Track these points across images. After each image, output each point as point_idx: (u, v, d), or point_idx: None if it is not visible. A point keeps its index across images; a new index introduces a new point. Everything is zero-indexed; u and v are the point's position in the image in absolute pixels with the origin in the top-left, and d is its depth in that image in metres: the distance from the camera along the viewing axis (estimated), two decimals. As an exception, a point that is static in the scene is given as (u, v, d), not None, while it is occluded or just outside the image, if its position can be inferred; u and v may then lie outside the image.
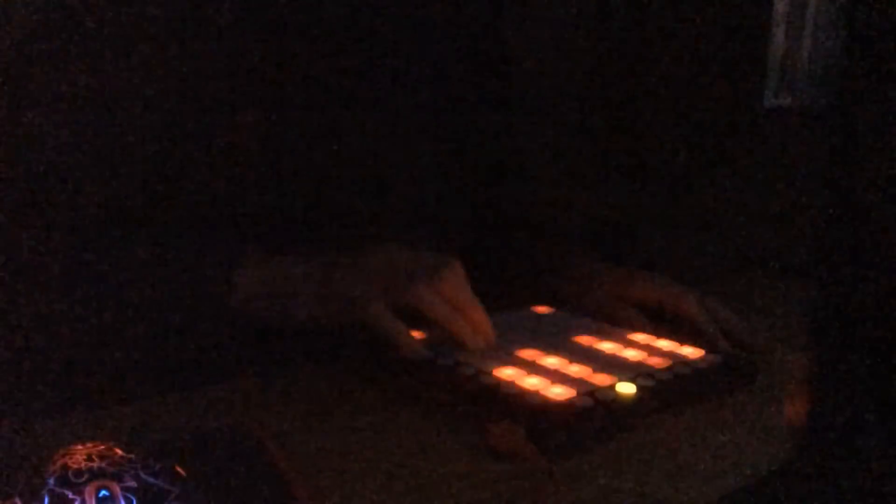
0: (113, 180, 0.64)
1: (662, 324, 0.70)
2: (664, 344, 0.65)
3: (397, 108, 0.77)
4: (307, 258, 0.63)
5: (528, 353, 0.61)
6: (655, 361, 0.61)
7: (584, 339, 0.65)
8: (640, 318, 0.71)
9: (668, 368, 0.59)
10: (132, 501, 0.33)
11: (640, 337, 0.67)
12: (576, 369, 0.58)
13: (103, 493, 0.33)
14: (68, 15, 0.62)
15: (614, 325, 0.69)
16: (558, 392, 0.54)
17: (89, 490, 0.33)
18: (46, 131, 0.62)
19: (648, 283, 0.74)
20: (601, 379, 0.56)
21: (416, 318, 0.60)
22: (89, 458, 0.34)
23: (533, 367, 0.58)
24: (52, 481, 0.33)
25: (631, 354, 0.62)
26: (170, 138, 0.65)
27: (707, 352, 0.63)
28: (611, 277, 0.76)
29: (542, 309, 0.74)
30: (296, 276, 0.62)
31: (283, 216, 0.70)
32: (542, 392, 0.54)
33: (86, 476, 0.33)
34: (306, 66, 0.70)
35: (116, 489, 0.33)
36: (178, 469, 0.36)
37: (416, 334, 0.61)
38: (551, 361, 0.60)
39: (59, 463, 0.34)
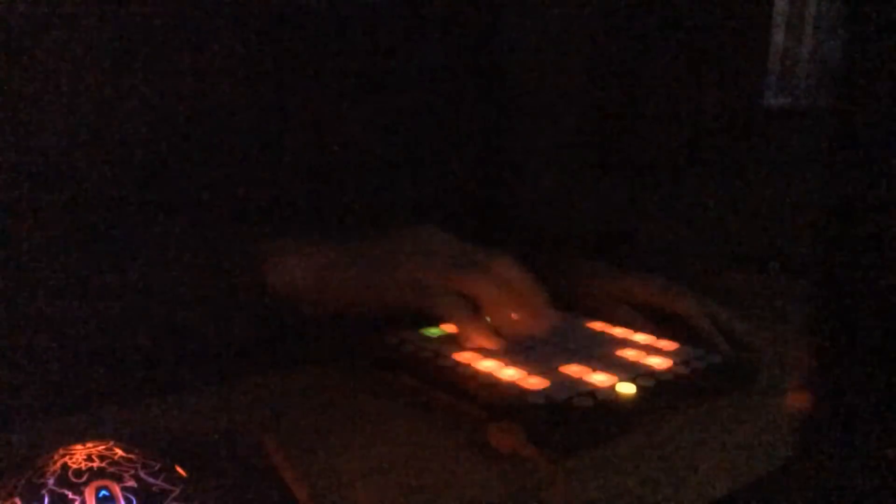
0: (120, 166, 0.63)
1: (662, 324, 0.70)
2: (664, 344, 0.65)
3: (397, 109, 0.77)
4: (343, 242, 0.62)
5: (528, 354, 0.61)
6: (655, 361, 0.61)
7: (584, 340, 0.65)
8: (640, 318, 0.71)
9: (668, 368, 0.59)
10: (132, 501, 0.33)
11: (640, 337, 0.67)
12: (576, 369, 0.58)
13: (103, 493, 0.33)
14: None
15: (614, 325, 0.69)
16: (558, 392, 0.54)
17: (89, 490, 0.33)
18: (68, 121, 0.61)
19: (647, 283, 0.74)
20: (601, 379, 0.56)
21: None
22: (89, 458, 0.34)
23: (533, 367, 0.58)
24: (52, 481, 0.33)
25: (631, 354, 0.62)
26: (186, 128, 0.65)
27: (707, 352, 0.63)
28: (610, 278, 0.76)
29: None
30: (339, 261, 0.61)
31: (290, 219, 0.70)
32: (543, 392, 0.54)
33: (86, 476, 0.33)
34: (308, 68, 0.70)
35: (116, 489, 0.33)
36: (178, 469, 0.36)
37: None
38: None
39: (59, 463, 0.34)
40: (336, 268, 0.61)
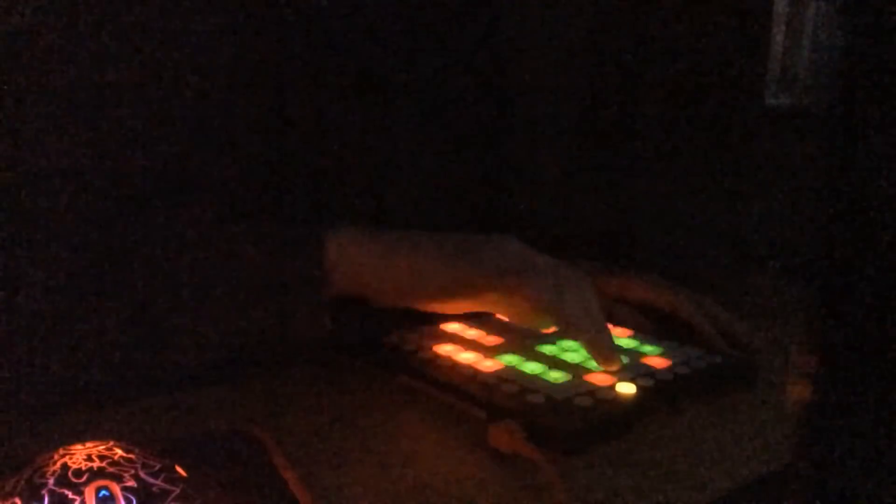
0: (156, 155, 0.61)
1: (662, 324, 0.70)
2: (664, 344, 0.65)
3: (397, 109, 0.77)
4: (412, 234, 0.60)
5: (528, 353, 0.61)
6: (655, 361, 0.61)
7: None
8: (640, 319, 0.71)
9: (668, 368, 0.60)
10: (132, 501, 0.33)
11: (640, 337, 0.67)
12: (576, 369, 0.58)
13: (103, 493, 0.33)
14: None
15: (614, 325, 0.69)
16: (558, 392, 0.54)
17: (89, 490, 0.33)
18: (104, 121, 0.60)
19: (646, 284, 0.74)
20: (601, 379, 0.56)
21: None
22: (89, 458, 0.34)
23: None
24: (52, 481, 0.33)
25: (631, 354, 0.62)
26: (203, 122, 0.64)
27: (707, 352, 0.63)
28: (609, 278, 0.76)
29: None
30: (421, 250, 0.58)
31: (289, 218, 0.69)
32: (543, 391, 0.54)
33: (86, 476, 0.33)
34: (309, 67, 0.70)
35: (116, 489, 0.33)
36: (179, 469, 0.36)
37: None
38: (551, 361, 0.60)
39: (59, 463, 0.34)
40: (414, 251, 0.58)
